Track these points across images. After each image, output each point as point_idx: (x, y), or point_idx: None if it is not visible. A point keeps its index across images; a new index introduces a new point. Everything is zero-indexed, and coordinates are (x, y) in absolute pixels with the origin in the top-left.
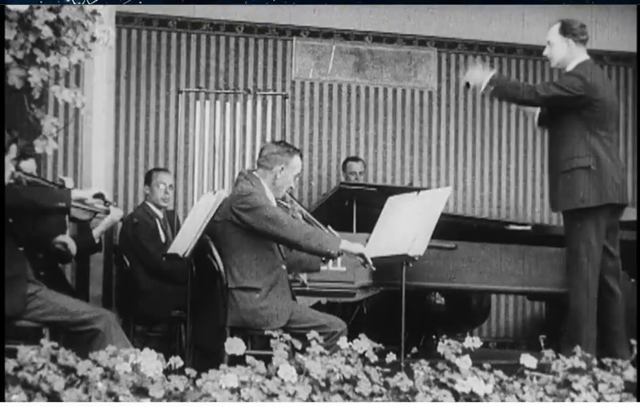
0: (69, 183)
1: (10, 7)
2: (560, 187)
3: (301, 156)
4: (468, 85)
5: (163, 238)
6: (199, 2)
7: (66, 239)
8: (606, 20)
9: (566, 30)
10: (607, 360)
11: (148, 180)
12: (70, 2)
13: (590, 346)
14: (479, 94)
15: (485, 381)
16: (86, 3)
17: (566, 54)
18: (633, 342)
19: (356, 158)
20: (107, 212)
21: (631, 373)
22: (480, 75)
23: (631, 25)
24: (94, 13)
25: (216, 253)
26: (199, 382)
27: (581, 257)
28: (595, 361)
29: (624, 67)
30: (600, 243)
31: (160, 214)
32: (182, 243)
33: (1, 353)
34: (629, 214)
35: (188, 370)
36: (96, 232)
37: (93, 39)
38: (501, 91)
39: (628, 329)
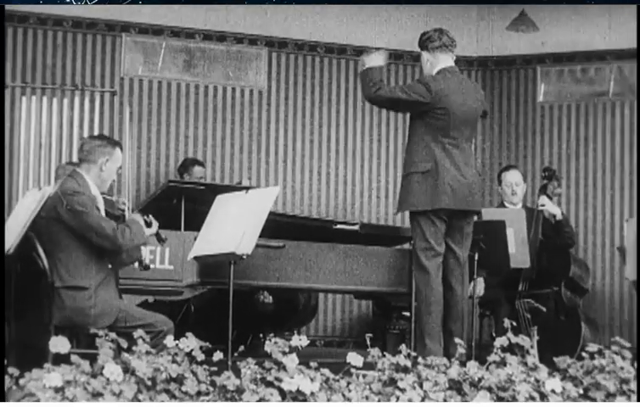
0: None
1: None
2: (400, 191)
3: (121, 148)
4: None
5: None
6: (198, 3)
7: None
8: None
9: (420, 44)
10: (432, 359)
11: None
12: (70, 2)
13: (432, 343)
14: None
15: (312, 380)
16: (86, 3)
17: (426, 64)
18: (458, 341)
19: (201, 164)
20: None
21: (454, 371)
22: (375, 58)
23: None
24: None
25: (41, 250)
26: (22, 381)
27: (420, 256)
28: (420, 359)
29: (498, 70)
30: (440, 243)
31: None
32: (6, 240)
33: (1, 353)
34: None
35: (10, 370)
36: None
37: None
38: (362, 76)
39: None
